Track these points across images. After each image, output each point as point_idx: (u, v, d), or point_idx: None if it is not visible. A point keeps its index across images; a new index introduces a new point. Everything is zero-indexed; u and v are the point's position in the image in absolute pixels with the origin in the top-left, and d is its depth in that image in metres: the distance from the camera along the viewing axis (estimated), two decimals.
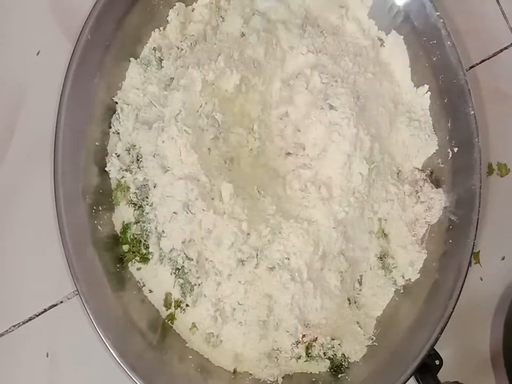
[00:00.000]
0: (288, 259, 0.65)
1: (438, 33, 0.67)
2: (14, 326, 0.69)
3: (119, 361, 0.60)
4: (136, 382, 0.60)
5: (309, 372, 0.67)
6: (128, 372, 0.60)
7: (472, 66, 0.77)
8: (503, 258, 0.75)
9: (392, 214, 0.69)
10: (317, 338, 0.67)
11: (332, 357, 0.67)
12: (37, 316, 0.69)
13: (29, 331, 0.69)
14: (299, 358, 0.67)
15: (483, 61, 0.78)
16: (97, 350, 0.67)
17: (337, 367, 0.67)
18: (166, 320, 0.66)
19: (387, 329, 0.68)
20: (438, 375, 0.65)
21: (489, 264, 0.75)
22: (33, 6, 0.74)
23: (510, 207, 0.76)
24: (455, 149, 0.68)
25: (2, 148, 0.72)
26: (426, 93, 0.71)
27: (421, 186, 0.71)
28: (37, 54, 0.73)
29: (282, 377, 0.66)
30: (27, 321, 0.69)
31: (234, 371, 0.66)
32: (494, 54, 0.78)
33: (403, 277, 0.69)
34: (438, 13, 0.67)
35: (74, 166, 0.64)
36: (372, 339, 0.68)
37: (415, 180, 0.71)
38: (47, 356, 0.69)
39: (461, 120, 0.67)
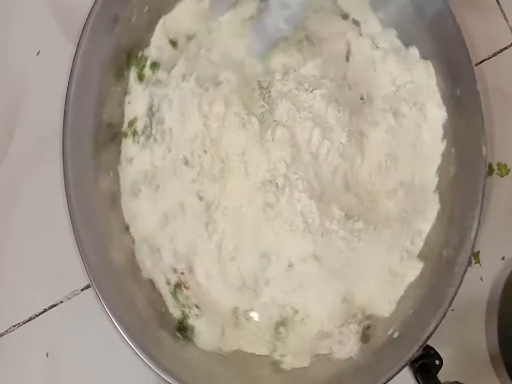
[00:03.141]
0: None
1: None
2: (14, 326, 0.69)
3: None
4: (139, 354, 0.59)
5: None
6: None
7: None
8: (503, 258, 0.75)
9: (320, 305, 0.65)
10: None
11: None
12: (37, 315, 0.69)
13: (29, 331, 0.69)
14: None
15: (483, 61, 0.78)
16: (97, 350, 0.67)
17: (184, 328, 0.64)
18: (122, 135, 0.67)
19: None
20: (438, 375, 0.65)
21: (489, 264, 0.74)
22: (33, 5, 0.74)
23: (510, 207, 0.76)
24: (396, 334, 0.63)
25: (3, 148, 0.72)
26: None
27: (352, 322, 0.65)
28: (37, 54, 0.73)
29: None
30: (27, 321, 0.69)
31: (133, 242, 0.66)
32: (494, 54, 0.78)
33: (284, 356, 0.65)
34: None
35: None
36: None
37: (353, 314, 0.65)
38: (47, 356, 0.69)
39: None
